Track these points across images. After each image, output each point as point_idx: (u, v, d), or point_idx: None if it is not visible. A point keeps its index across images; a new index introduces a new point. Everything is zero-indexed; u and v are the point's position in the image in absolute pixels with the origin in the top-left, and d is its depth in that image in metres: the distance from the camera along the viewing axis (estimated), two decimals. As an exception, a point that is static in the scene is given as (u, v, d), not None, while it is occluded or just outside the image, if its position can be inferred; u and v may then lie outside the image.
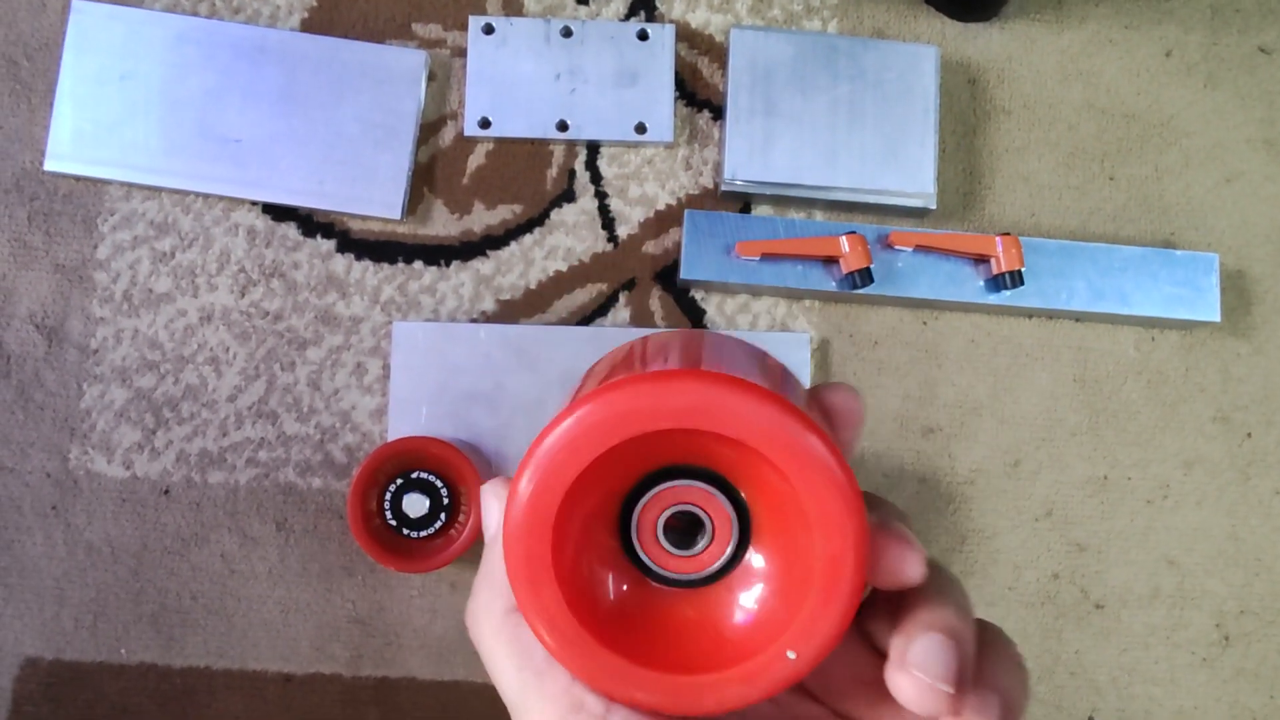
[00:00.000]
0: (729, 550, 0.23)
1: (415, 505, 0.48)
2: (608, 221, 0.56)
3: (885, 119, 0.56)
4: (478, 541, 0.51)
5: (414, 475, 0.48)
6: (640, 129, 0.56)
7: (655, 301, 0.56)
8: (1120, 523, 0.56)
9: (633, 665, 0.21)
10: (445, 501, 0.48)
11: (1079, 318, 0.57)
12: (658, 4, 0.58)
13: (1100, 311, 0.55)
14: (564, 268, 0.56)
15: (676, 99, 0.57)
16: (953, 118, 0.58)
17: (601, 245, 0.56)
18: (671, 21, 0.57)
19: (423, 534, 0.48)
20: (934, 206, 0.56)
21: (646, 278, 0.56)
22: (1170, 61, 0.60)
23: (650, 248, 0.56)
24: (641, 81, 0.56)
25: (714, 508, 0.23)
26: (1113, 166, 0.59)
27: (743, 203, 0.57)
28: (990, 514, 0.55)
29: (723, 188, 0.55)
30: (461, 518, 0.48)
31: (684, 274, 0.54)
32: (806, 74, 0.55)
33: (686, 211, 0.55)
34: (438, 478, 0.48)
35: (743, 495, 0.23)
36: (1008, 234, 0.54)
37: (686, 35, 0.58)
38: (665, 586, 0.23)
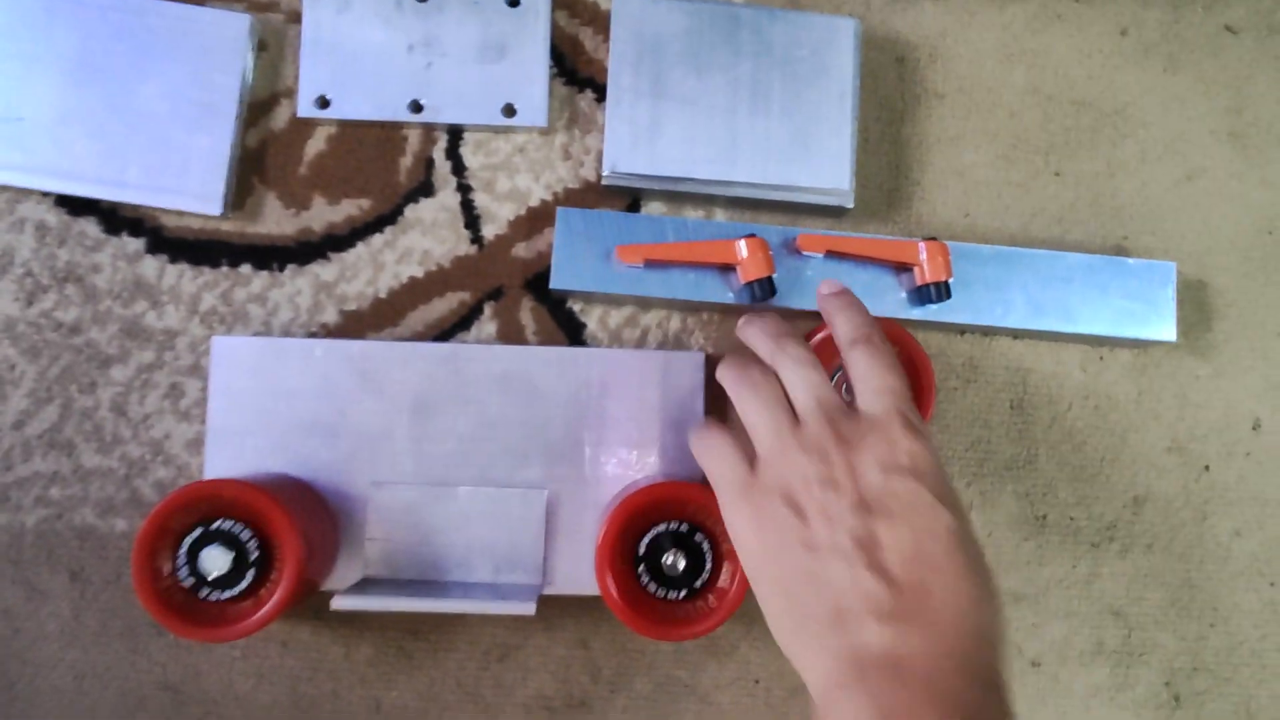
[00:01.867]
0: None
1: (214, 560, 0.40)
2: (472, 220, 0.48)
3: (796, 102, 0.48)
4: (306, 594, 0.43)
5: (215, 526, 0.40)
6: (509, 111, 0.48)
7: (527, 314, 0.48)
8: (1060, 569, 0.49)
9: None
10: (254, 555, 0.40)
11: (1017, 335, 0.49)
12: (535, -36, 0.49)
13: (1042, 329, 0.48)
14: (420, 273, 0.48)
15: (553, 76, 0.49)
16: (875, 102, 0.51)
17: (464, 247, 0.48)
18: (549, -15, 0.49)
19: (225, 595, 0.40)
20: (851, 205, 0.48)
21: (516, 286, 0.48)
22: (1126, 41, 0.53)
23: (521, 250, 0.48)
24: (511, 55, 0.48)
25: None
26: (1059, 160, 0.51)
27: (631, 199, 0.49)
28: (911, 560, 0.48)
29: (604, 182, 0.47)
30: (274, 575, 0.40)
31: (554, 282, 0.46)
32: (703, 49, 0.47)
33: (559, 210, 0.46)
34: (245, 526, 0.40)
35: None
36: (933, 239, 0.47)
37: (565, 3, 0.49)
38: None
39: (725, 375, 0.41)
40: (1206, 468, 0.50)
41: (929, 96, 0.51)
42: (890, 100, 0.51)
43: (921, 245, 0.46)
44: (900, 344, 0.45)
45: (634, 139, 0.47)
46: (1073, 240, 0.51)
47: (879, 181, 0.50)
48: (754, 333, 0.42)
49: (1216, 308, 0.51)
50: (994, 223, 0.51)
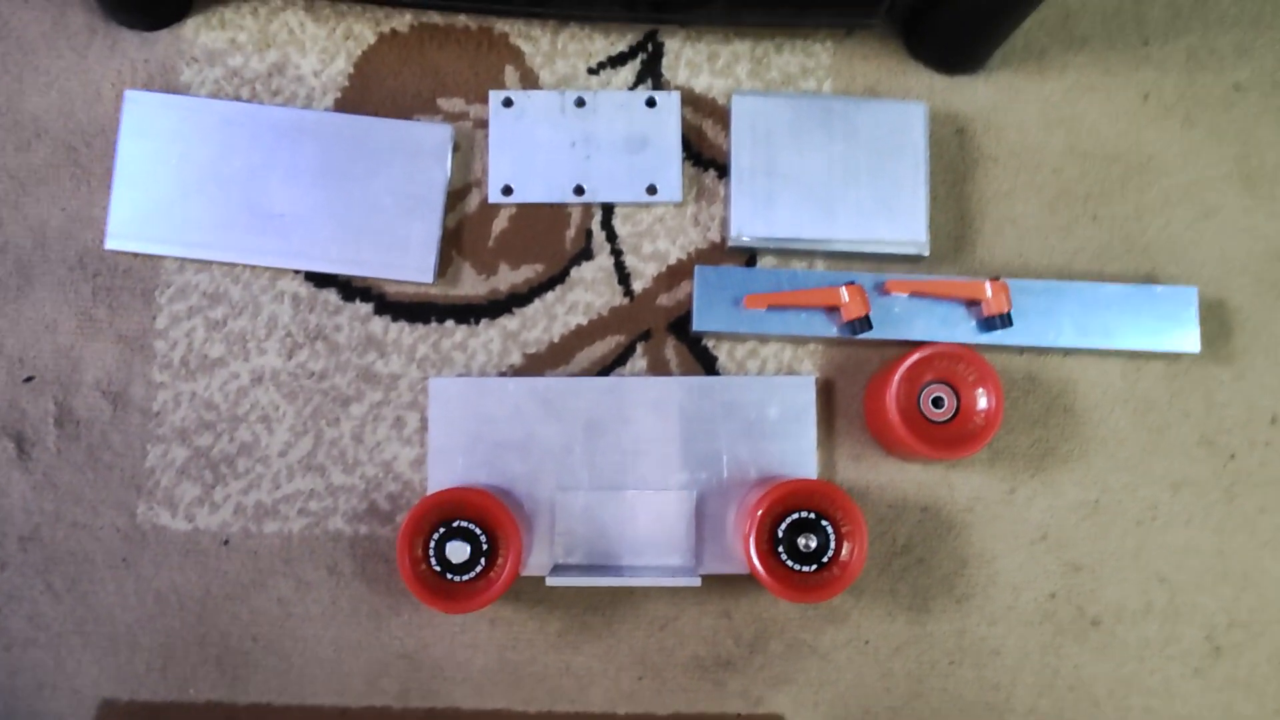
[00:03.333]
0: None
1: (458, 551, 0.52)
2: (623, 277, 0.61)
3: (878, 172, 0.60)
4: (516, 581, 0.55)
5: (455, 524, 0.53)
6: (651, 190, 0.60)
7: (670, 350, 0.60)
8: (1112, 543, 0.59)
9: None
10: (485, 547, 0.52)
11: (1066, 353, 0.60)
12: (664, 71, 0.62)
13: (1086, 347, 0.59)
14: (584, 321, 0.60)
15: (684, 160, 0.61)
16: (942, 166, 0.62)
17: (618, 299, 0.60)
18: (677, 88, 0.61)
19: (465, 578, 0.52)
20: (927, 253, 0.60)
21: (661, 328, 0.60)
22: (1148, 104, 0.64)
23: (664, 300, 0.60)
24: (651, 145, 0.60)
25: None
26: (1096, 207, 0.63)
27: (748, 256, 0.61)
28: (989, 539, 0.59)
29: (729, 244, 0.59)
30: (500, 561, 0.52)
31: (696, 325, 0.58)
32: (804, 133, 0.60)
33: (696, 267, 0.59)
34: (477, 525, 0.53)
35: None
36: (996, 278, 0.58)
37: (691, 100, 0.62)
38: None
39: None
40: (1233, 456, 0.61)
41: (985, 160, 0.63)
42: (954, 165, 0.63)
43: (987, 284, 0.58)
44: (973, 364, 0.56)
45: (754, 208, 0.59)
46: (1109, 273, 0.62)
47: (948, 231, 0.62)
48: None
49: (1235, 323, 0.62)
50: (1043, 261, 0.62)
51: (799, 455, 0.58)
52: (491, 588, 0.52)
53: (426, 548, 0.52)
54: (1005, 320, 0.58)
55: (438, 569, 0.52)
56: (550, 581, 0.52)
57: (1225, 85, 0.65)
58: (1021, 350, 0.60)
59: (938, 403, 0.56)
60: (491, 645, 0.57)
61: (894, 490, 0.59)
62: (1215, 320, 0.62)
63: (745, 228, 0.59)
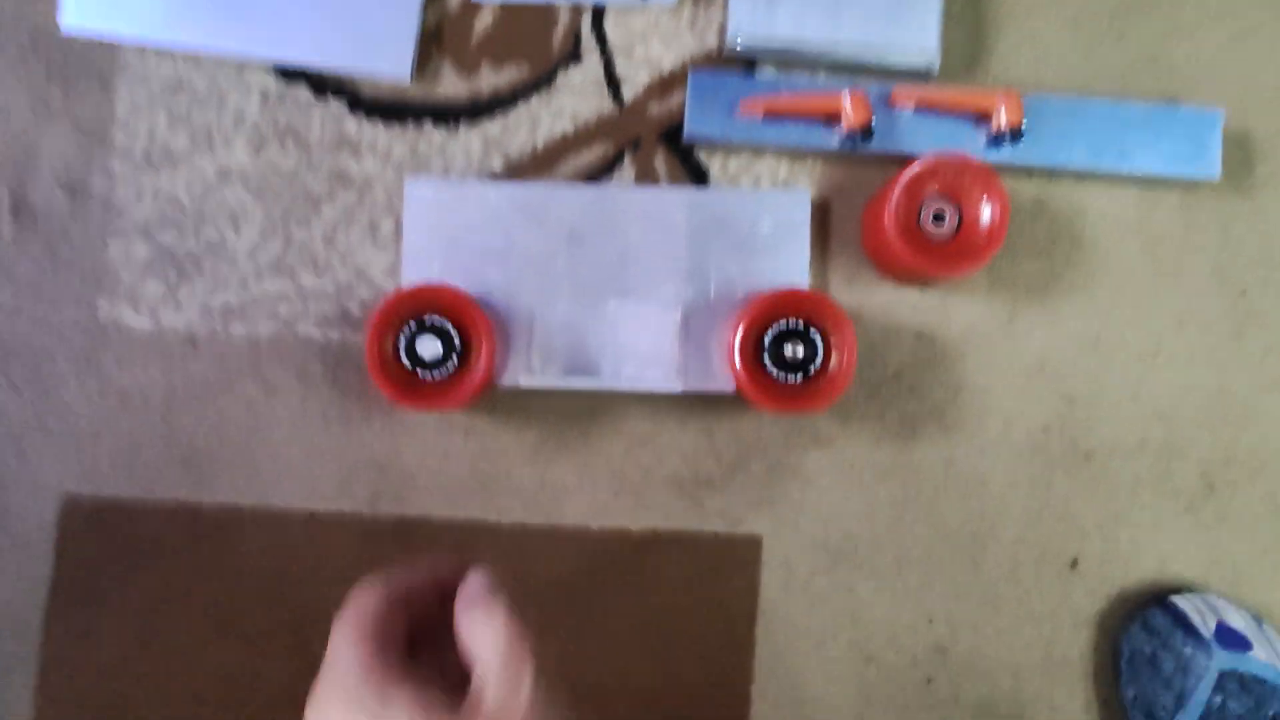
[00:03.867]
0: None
1: (429, 347, 0.50)
2: (613, 83, 0.57)
3: (890, -25, 0.55)
4: (488, 385, 0.53)
5: (427, 320, 0.50)
6: (645, -13, 0.56)
7: (660, 162, 0.57)
8: (1112, 378, 0.57)
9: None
10: (458, 345, 0.50)
11: (1079, 177, 0.57)
12: None
13: (1100, 172, 0.56)
14: (570, 129, 0.57)
15: (681, -43, 0.57)
16: (959, -25, 0.58)
17: (607, 107, 0.57)
18: (676, -123, 0.57)
19: (436, 375, 0.50)
20: (937, 67, 0.56)
21: (651, 138, 0.57)
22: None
23: (655, 109, 0.57)
24: (646, -62, 0.56)
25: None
26: (1122, 25, 0.59)
27: (747, 64, 0.57)
28: (985, 368, 0.57)
29: (726, 49, 0.56)
30: (473, 360, 0.50)
31: (688, 132, 0.55)
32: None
33: (691, 71, 0.55)
34: (450, 323, 0.50)
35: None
36: (1010, 90, 0.54)
37: (692, -109, 0.57)
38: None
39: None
40: (1244, 293, 0.58)
41: (1005, -29, 0.59)
42: (971, -25, 0.58)
43: (1000, 93, 0.54)
44: (979, 177, 0.53)
45: (754, 11, 0.55)
46: (1131, 94, 0.58)
47: (960, 47, 0.58)
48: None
49: (1259, 153, 0.58)
50: (1061, 81, 0.58)
51: (790, 273, 0.55)
52: (463, 386, 0.50)
53: (397, 344, 0.50)
54: (1015, 135, 0.54)
55: (408, 366, 0.50)
56: (524, 382, 0.51)
57: (1269, -96, 0.60)
58: (1031, 173, 0.57)
59: (939, 218, 0.53)
60: (465, 455, 0.56)
61: (888, 315, 0.57)
62: (1238, 150, 0.58)
63: (744, 30, 0.55)
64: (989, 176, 0.52)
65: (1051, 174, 0.57)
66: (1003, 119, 0.54)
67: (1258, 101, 0.58)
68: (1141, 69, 0.58)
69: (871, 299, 0.57)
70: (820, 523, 0.56)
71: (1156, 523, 0.57)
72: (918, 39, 0.56)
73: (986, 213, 0.52)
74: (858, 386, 0.56)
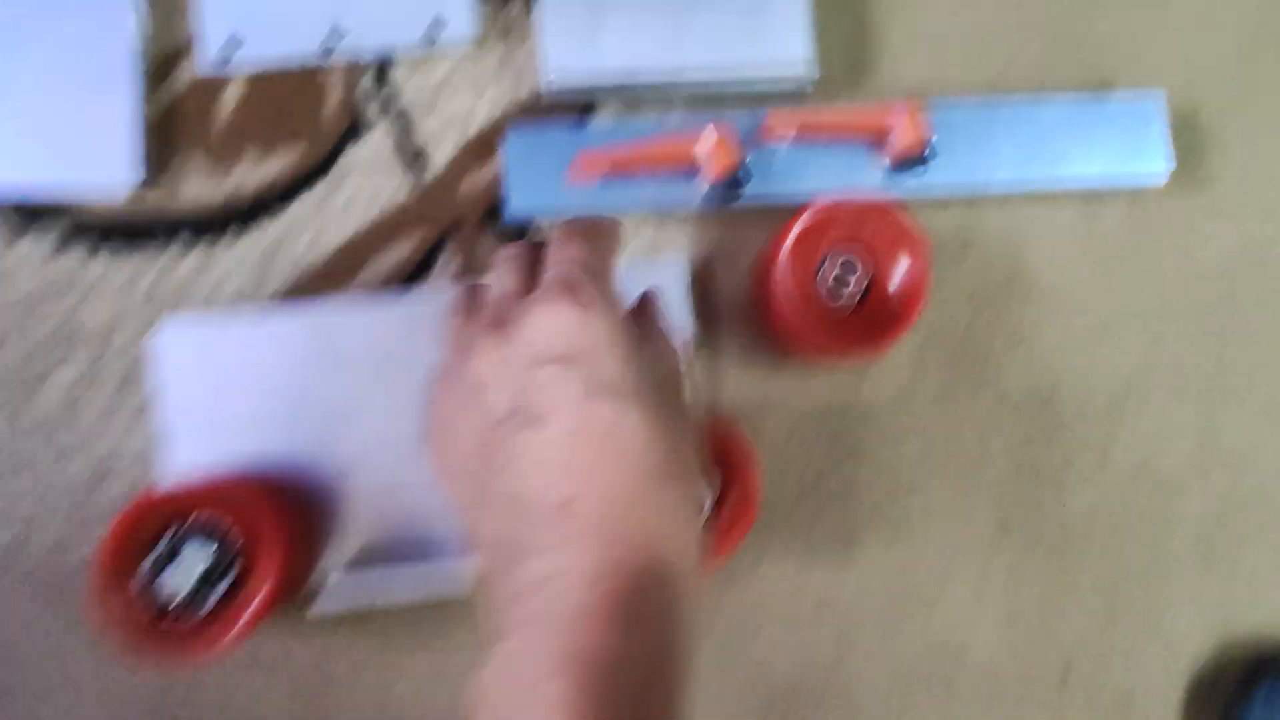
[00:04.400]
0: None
1: (182, 574, 0.37)
2: (413, 155, 0.45)
3: (741, -25, 0.44)
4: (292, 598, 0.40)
5: (184, 533, 0.37)
6: (435, 29, 0.44)
7: (492, 246, 0.45)
8: (1074, 444, 0.47)
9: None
10: (233, 561, 0.37)
11: (1006, 199, 0.46)
12: None
13: (1031, 188, 0.45)
14: (366, 223, 0.44)
15: (475, -16, 0.44)
16: (828, -37, 0.47)
17: (409, 187, 0.44)
18: (454, -118, 0.44)
19: (199, 610, 0.37)
20: (815, 76, 0.44)
21: (474, 219, 0.45)
22: None
23: (472, 181, 0.45)
24: (425, -34, 0.43)
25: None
26: (1032, 1, 0.48)
27: (583, 105, 0.45)
28: (924, 453, 0.46)
29: (545, 91, 0.43)
30: (254, 581, 0.37)
31: (510, 211, 0.43)
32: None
33: (509, 130, 0.43)
34: (220, 533, 0.38)
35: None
36: (910, 102, 0.43)
37: (477, -102, 0.45)
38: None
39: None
40: (1219, 305, 0.48)
41: (884, -49, 0.47)
42: (842, -40, 0.47)
43: (896, 108, 0.43)
44: (885, 220, 0.42)
45: (576, 39, 0.43)
46: (1054, 84, 0.48)
47: (843, 49, 0.47)
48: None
49: (1212, 137, 0.48)
50: (969, 76, 0.47)
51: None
52: (237, 623, 0.37)
53: (137, 575, 0.37)
54: (923, 157, 0.43)
55: (159, 601, 0.37)
56: (327, 605, 0.38)
57: None
58: (947, 203, 0.46)
59: (842, 280, 0.42)
60: (282, 686, 0.43)
61: (797, 404, 0.45)
62: (1187, 137, 0.48)
63: (565, 67, 0.43)
64: (897, 216, 0.41)
65: (972, 199, 0.46)
66: (904, 138, 0.43)
67: (1200, 74, 0.48)
68: (1062, 53, 0.48)
69: (774, 387, 0.45)
70: (751, 672, 0.45)
71: (1159, 602, 0.47)
72: (785, 48, 0.44)
73: (902, 264, 0.41)
74: (773, 503, 0.45)
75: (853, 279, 0.42)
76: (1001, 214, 0.47)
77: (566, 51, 0.43)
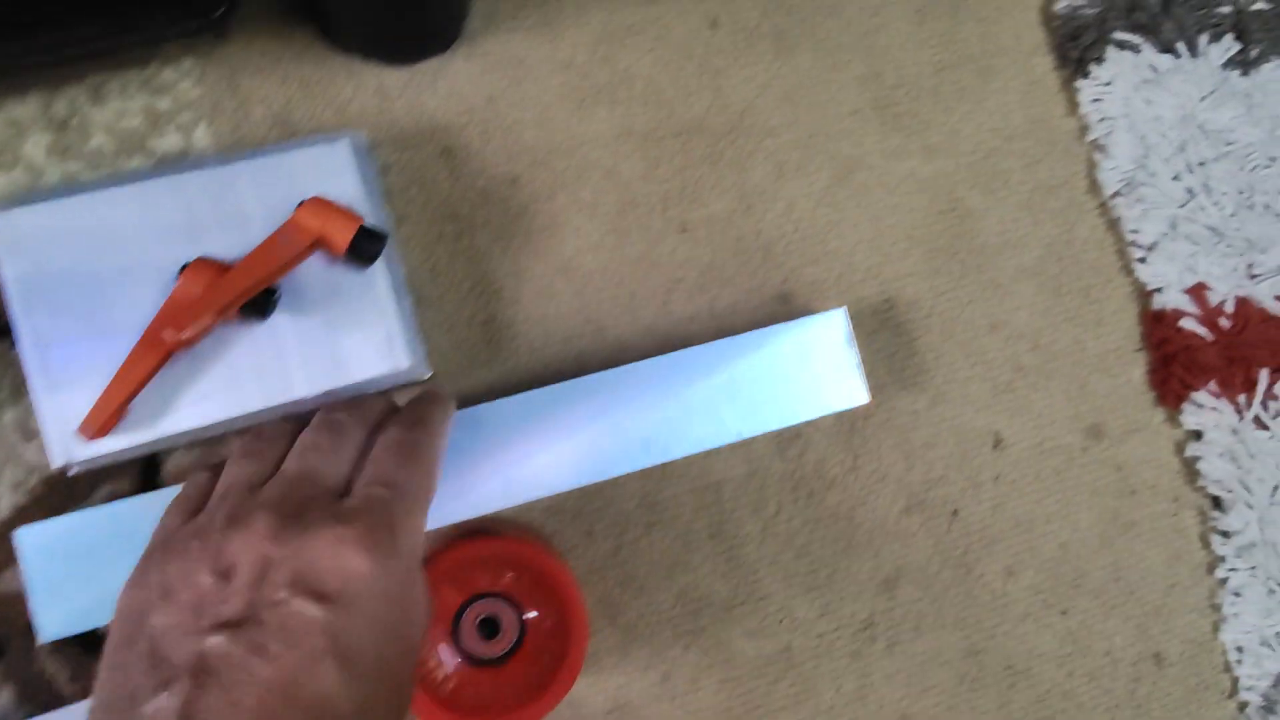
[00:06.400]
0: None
1: None
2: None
3: (296, 282, 0.35)
4: None
5: None
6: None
7: (52, 660, 0.35)
8: (825, 698, 0.40)
9: None
10: None
11: (665, 470, 0.39)
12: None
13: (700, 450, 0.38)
14: None
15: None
16: (430, 216, 0.39)
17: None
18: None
19: None
20: (429, 373, 0.36)
21: (19, 632, 0.35)
22: (719, 34, 0.42)
23: (7, 583, 0.35)
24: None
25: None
26: (681, 212, 0.41)
27: (145, 466, 0.35)
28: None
29: (60, 467, 0.34)
30: None
31: (44, 634, 0.33)
32: (124, 245, 0.34)
33: (17, 533, 0.33)
34: None
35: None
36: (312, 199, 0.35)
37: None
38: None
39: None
40: (955, 513, 0.42)
41: (499, 185, 0.40)
42: (452, 208, 0.39)
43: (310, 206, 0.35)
44: (529, 562, 0.34)
45: (81, 401, 0.33)
46: (725, 305, 0.41)
47: (468, 315, 0.39)
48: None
49: (914, 323, 0.42)
50: (626, 317, 0.40)
51: None
52: None
53: None
54: (365, 235, 0.35)
55: None
56: None
57: (825, -23, 0.44)
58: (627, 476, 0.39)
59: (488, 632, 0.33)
60: None
61: None
62: (888, 331, 0.42)
63: (72, 444, 0.33)
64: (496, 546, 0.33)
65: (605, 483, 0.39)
66: (338, 231, 0.35)
67: (892, 253, 0.42)
68: (727, 264, 0.41)
69: None
70: None
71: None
72: (377, 353, 0.36)
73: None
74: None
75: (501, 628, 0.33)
76: (690, 467, 0.40)
77: (65, 434, 0.33)
